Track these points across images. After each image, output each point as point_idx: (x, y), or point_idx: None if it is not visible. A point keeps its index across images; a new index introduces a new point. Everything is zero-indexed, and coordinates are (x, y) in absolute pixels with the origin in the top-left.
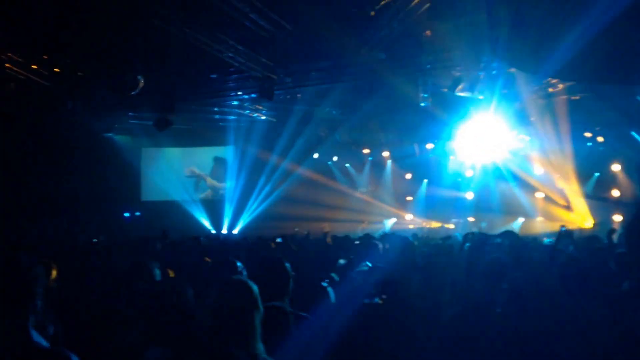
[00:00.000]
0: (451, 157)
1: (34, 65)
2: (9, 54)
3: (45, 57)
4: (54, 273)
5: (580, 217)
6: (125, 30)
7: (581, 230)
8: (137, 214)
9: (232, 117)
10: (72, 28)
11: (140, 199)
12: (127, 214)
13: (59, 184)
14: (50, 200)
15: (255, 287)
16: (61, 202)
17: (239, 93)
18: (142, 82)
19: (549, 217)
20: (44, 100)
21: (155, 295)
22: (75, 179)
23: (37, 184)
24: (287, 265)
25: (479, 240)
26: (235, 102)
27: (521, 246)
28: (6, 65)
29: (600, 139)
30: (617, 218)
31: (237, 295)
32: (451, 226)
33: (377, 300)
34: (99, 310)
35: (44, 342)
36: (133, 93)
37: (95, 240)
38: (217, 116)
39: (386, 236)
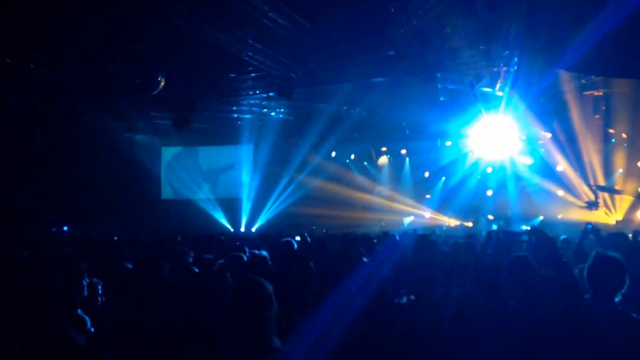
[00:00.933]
0: (470, 154)
1: (57, 66)
2: (33, 55)
3: (67, 57)
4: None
5: (604, 213)
6: (146, 31)
7: (606, 226)
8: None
9: (250, 115)
10: (94, 29)
11: (160, 198)
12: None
13: (81, 183)
14: (70, 199)
15: (269, 286)
16: (80, 200)
17: (257, 92)
18: (162, 82)
19: (571, 213)
20: (67, 100)
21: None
22: (96, 178)
23: (58, 184)
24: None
25: (504, 239)
26: (254, 101)
27: (548, 244)
28: (31, 66)
29: (624, 135)
30: None
31: (252, 293)
32: (469, 224)
33: (405, 299)
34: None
35: (82, 339)
36: (154, 93)
37: (115, 238)
38: (235, 115)
39: (406, 235)
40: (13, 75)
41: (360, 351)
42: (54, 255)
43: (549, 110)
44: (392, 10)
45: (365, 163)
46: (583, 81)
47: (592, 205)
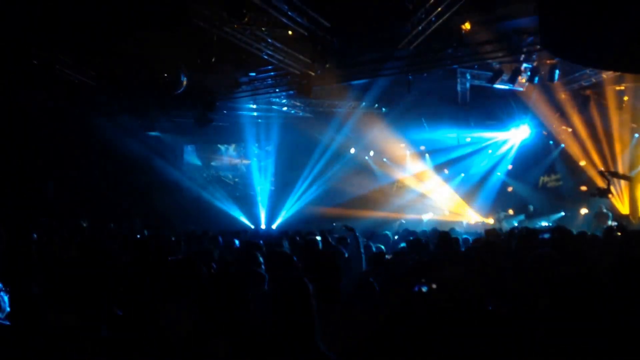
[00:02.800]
0: (489, 151)
1: (82, 65)
2: (58, 54)
3: (91, 57)
4: None
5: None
6: (168, 32)
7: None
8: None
9: (271, 114)
10: (118, 30)
11: (183, 195)
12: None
13: (104, 181)
14: (97, 198)
15: (310, 285)
16: (108, 198)
17: (277, 90)
18: (185, 82)
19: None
20: (91, 99)
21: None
22: (120, 176)
23: (82, 182)
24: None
25: (526, 235)
26: (274, 99)
27: (572, 242)
28: (56, 66)
29: None
30: None
31: (294, 292)
32: (491, 221)
33: (425, 288)
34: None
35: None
36: (177, 92)
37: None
38: (255, 113)
39: (425, 232)
40: (38, 75)
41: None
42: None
43: (567, 105)
44: (410, 7)
45: (384, 159)
46: (604, 75)
47: (603, 192)
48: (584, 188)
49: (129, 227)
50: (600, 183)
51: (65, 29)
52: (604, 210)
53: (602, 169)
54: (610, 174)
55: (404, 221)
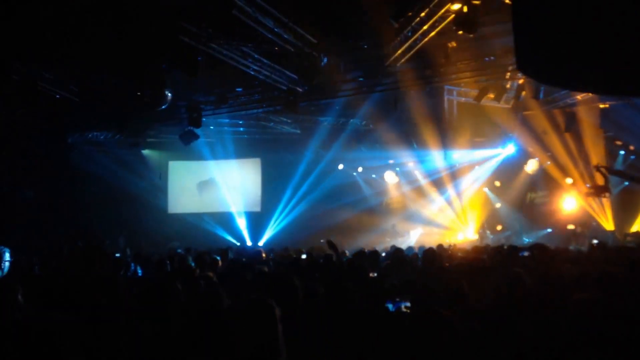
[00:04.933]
0: (476, 167)
1: (64, 81)
2: (41, 72)
3: (75, 73)
4: None
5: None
6: (153, 47)
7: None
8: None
9: (257, 129)
10: (102, 45)
11: (167, 212)
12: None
13: (83, 197)
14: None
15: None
16: (87, 216)
17: (264, 105)
18: (169, 97)
19: (583, 225)
20: (73, 115)
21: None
22: (103, 193)
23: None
24: None
25: (506, 255)
26: (261, 115)
27: (548, 261)
28: (38, 83)
29: (632, 147)
30: None
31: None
32: (474, 239)
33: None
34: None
35: None
36: (162, 108)
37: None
38: (242, 129)
39: (411, 249)
40: (20, 92)
41: None
42: None
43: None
44: (397, 25)
45: (373, 176)
46: (588, 94)
47: (600, 190)
48: (570, 205)
49: (113, 245)
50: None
51: (46, 44)
52: (578, 230)
53: (598, 164)
54: (609, 171)
55: (388, 239)
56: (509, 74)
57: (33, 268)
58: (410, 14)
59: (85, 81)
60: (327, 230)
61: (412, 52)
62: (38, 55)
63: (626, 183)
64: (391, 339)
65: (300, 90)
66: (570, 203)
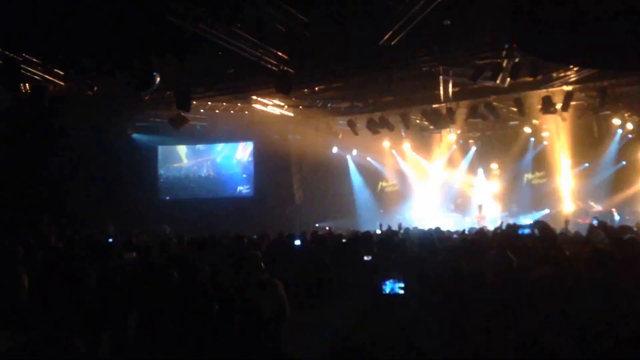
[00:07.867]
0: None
1: (51, 65)
2: (25, 55)
3: (61, 57)
4: None
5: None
6: (140, 28)
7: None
8: None
9: (248, 112)
10: (87, 27)
11: (159, 197)
12: None
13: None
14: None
15: None
16: (77, 202)
17: (256, 88)
18: (158, 79)
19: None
20: (61, 100)
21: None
22: (92, 178)
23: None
24: None
25: (507, 233)
26: (252, 97)
27: (552, 238)
28: (22, 66)
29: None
30: None
31: None
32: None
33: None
34: None
35: None
36: (149, 90)
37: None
38: (232, 111)
39: (407, 230)
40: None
41: None
42: None
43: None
44: (390, 2)
45: (368, 158)
46: (586, 72)
47: None
48: (567, 186)
49: (102, 231)
50: None
51: (33, 28)
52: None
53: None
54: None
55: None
56: (505, 52)
57: None
58: None
59: (73, 65)
60: (323, 214)
61: (406, 31)
62: (22, 40)
63: (623, 162)
64: None
65: (292, 71)
66: None
